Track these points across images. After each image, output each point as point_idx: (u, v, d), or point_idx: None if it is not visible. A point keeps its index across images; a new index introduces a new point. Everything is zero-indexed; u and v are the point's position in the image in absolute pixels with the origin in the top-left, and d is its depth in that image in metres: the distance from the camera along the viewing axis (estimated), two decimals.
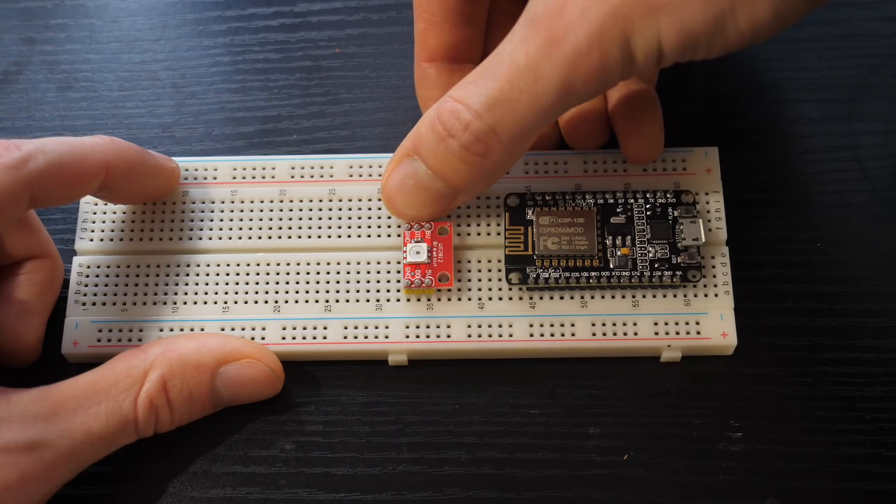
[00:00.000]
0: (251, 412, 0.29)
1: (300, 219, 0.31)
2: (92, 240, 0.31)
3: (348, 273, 0.30)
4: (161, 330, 0.30)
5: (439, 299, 0.30)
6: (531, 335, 0.29)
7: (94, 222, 0.31)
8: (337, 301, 0.30)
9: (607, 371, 0.30)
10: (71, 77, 0.35)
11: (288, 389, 0.30)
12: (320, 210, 0.31)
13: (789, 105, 0.33)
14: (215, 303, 0.30)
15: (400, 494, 0.28)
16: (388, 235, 0.31)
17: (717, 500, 0.28)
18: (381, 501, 0.28)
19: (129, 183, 0.29)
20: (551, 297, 0.30)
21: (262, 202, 0.31)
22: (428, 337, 0.29)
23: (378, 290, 0.30)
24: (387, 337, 0.29)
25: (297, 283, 0.30)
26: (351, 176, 0.31)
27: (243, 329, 0.30)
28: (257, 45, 0.35)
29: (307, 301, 0.30)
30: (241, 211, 0.31)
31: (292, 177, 0.31)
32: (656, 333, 0.29)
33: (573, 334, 0.29)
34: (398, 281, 0.30)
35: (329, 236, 0.31)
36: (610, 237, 0.30)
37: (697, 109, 0.33)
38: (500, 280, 0.30)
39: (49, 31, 0.36)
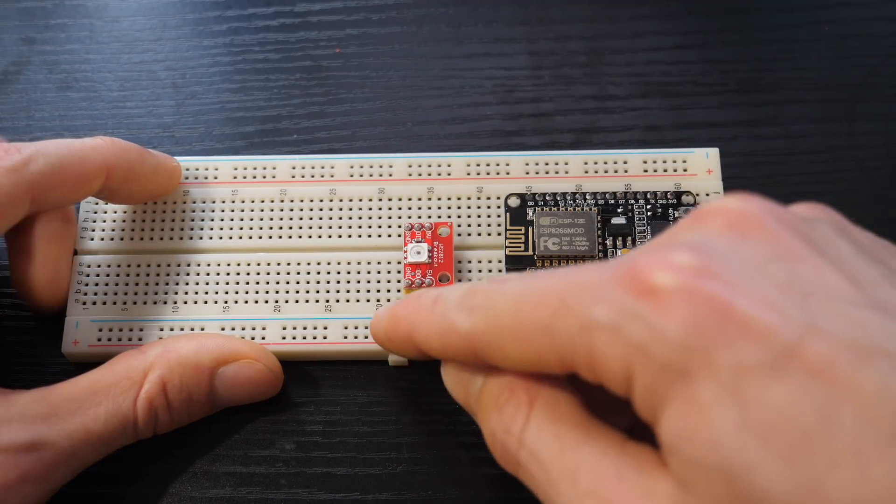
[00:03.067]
0: (251, 412, 0.29)
1: (301, 218, 0.31)
2: (93, 239, 0.31)
3: (349, 273, 0.30)
4: (161, 329, 0.30)
5: None
6: None
7: (94, 221, 0.31)
8: (337, 301, 0.30)
9: None
10: (71, 77, 0.35)
11: (288, 389, 0.30)
12: (321, 210, 0.31)
13: (789, 105, 0.33)
14: (216, 302, 0.30)
15: (400, 494, 0.28)
16: (389, 235, 0.31)
17: None
18: (381, 501, 0.28)
19: (131, 183, 0.29)
20: None
21: (262, 202, 0.31)
22: None
23: (378, 290, 0.30)
24: None
25: (298, 282, 0.30)
26: (352, 176, 0.31)
27: (243, 329, 0.30)
28: (257, 45, 0.35)
29: (307, 301, 0.30)
30: (242, 211, 0.31)
31: (293, 176, 0.31)
32: None
33: None
34: (399, 281, 0.30)
35: (329, 236, 0.31)
36: (611, 238, 0.30)
37: (699, 110, 0.33)
38: None
39: (49, 31, 0.36)
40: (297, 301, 0.30)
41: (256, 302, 0.30)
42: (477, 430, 0.29)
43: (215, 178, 0.32)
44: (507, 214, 0.30)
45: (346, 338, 0.30)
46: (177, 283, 0.30)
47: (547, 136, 0.33)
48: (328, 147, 0.33)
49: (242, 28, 0.36)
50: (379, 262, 0.30)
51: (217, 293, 0.30)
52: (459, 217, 0.31)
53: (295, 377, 0.30)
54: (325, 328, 0.30)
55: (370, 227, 0.31)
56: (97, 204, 0.31)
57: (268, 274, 0.30)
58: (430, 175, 0.31)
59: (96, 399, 0.26)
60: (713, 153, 0.31)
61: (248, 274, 0.30)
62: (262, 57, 0.35)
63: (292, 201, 0.31)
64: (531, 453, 0.22)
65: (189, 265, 0.30)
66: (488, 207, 0.31)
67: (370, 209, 0.31)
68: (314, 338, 0.30)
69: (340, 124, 0.34)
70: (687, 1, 0.36)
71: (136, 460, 0.29)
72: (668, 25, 0.35)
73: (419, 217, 0.31)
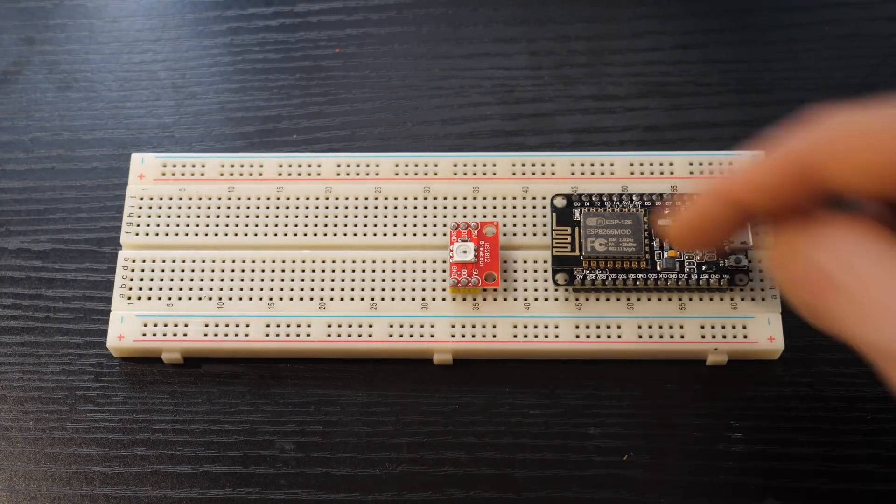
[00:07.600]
0: (251, 412, 0.29)
1: (346, 216, 0.31)
2: (137, 234, 0.31)
3: (394, 271, 0.30)
4: (206, 325, 0.30)
5: (485, 299, 0.30)
6: (577, 336, 0.29)
7: (139, 217, 0.31)
8: (382, 299, 0.30)
9: (606, 372, 0.30)
10: (71, 77, 0.35)
11: (288, 389, 0.30)
12: (366, 208, 0.31)
13: (789, 105, 0.33)
14: (261, 299, 0.30)
15: (400, 494, 0.28)
16: (434, 234, 0.31)
17: (717, 500, 0.28)
18: (381, 501, 0.28)
19: None
20: (597, 299, 0.30)
21: (307, 199, 0.31)
22: (473, 336, 0.29)
23: (424, 289, 0.30)
24: (432, 336, 0.29)
25: (343, 280, 0.30)
26: (397, 174, 0.31)
27: (288, 325, 0.30)
28: (257, 45, 0.35)
29: (353, 299, 0.30)
30: (287, 208, 0.31)
31: (338, 174, 0.31)
32: (703, 336, 0.29)
33: (619, 336, 0.29)
34: (444, 280, 0.30)
35: (374, 234, 0.31)
36: (657, 239, 0.30)
37: (699, 110, 0.33)
38: (546, 281, 0.30)
39: (49, 31, 0.36)
40: (342, 299, 0.30)
41: (301, 299, 0.30)
42: (477, 431, 0.29)
43: (261, 174, 0.32)
44: (553, 215, 0.30)
45: (391, 336, 0.30)
46: (222, 280, 0.30)
47: (546, 136, 0.33)
48: (328, 147, 0.33)
49: (242, 28, 0.36)
50: (424, 261, 0.30)
51: (262, 290, 0.30)
52: (505, 217, 0.31)
53: (296, 377, 0.30)
54: (371, 326, 0.30)
55: (415, 225, 0.31)
56: (142, 199, 0.31)
57: (313, 271, 0.30)
58: (475, 174, 0.31)
59: None
60: (758, 155, 0.31)
61: (293, 271, 0.30)
62: (262, 57, 0.35)
63: (337, 199, 0.31)
64: (847, 266, 0.19)
65: (234, 261, 0.30)
66: (534, 207, 0.31)
67: (415, 207, 0.31)
68: (359, 336, 0.30)
69: (340, 124, 0.34)
70: (687, 1, 0.36)
71: (136, 460, 0.29)
72: (668, 25, 0.35)
73: (464, 216, 0.31)
